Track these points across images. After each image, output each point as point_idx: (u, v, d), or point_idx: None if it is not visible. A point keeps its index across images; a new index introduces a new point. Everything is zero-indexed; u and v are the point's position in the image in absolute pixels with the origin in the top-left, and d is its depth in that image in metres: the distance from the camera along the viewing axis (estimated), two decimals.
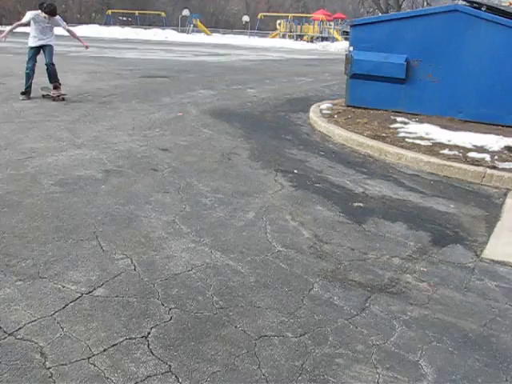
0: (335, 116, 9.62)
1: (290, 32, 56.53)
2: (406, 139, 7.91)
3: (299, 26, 57.49)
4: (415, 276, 4.16)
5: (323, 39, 54.79)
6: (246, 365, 2.98)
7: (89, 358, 2.95)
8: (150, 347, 3.07)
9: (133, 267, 3.97)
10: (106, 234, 4.49)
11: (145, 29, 52.60)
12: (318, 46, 46.87)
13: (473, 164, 6.81)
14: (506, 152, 7.12)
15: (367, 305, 3.70)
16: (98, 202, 5.18)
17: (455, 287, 4.03)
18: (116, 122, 8.86)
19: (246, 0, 71.63)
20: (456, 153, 7.25)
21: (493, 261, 4.50)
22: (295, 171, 6.62)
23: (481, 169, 6.63)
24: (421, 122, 9.00)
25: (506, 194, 6.21)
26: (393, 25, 10.04)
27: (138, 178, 5.96)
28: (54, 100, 10.58)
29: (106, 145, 7.31)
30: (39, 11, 10.36)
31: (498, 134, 8.04)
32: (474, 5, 10.25)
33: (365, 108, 10.18)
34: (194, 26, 58.05)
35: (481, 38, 9.29)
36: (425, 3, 55.22)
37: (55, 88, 10.72)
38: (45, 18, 10.35)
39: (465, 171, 6.68)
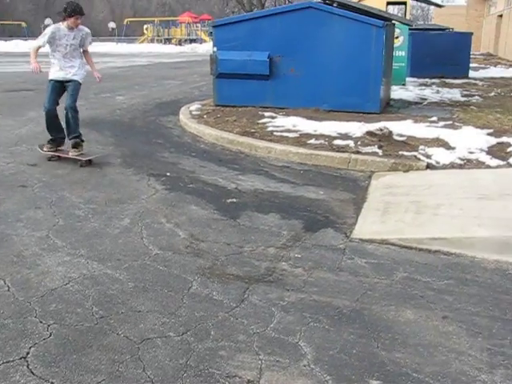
0: (205, 116, 9.71)
1: (158, 36, 56.18)
2: (275, 133, 8.14)
3: (166, 30, 57.23)
4: (290, 263, 4.31)
5: (191, 41, 54.94)
6: (130, 370, 2.98)
7: None
8: (30, 367, 2.98)
9: (6, 288, 3.82)
10: None
11: (5, 40, 49.97)
12: (187, 48, 46.95)
13: (338, 151, 7.15)
14: (367, 137, 7.52)
15: (246, 296, 3.79)
16: None
17: (328, 269, 4.23)
18: None
19: (111, 6, 70.23)
20: (322, 142, 7.56)
21: (361, 240, 4.77)
22: (168, 174, 6.62)
23: (346, 155, 6.98)
24: (288, 115, 9.29)
25: (370, 177, 6.57)
26: (254, 23, 10.28)
27: (6, 197, 5.72)
28: (81, 166, 7.01)
29: None
30: (59, 24, 7.02)
31: (360, 121, 8.47)
32: (327, 1, 10.73)
33: (233, 106, 10.34)
34: None
35: (336, 31, 9.74)
36: (287, 2, 56.74)
37: (75, 146, 7.22)
38: (69, 28, 6.95)
39: (332, 158, 7.00)
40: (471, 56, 20.00)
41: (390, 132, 7.66)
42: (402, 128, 8.11)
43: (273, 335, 3.34)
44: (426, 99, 12.51)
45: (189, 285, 3.93)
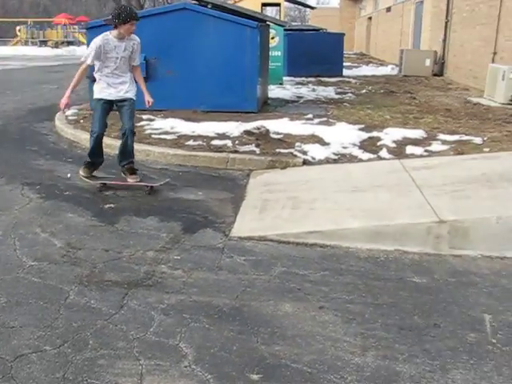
0: (81, 121, 9.42)
1: (33, 38, 53.72)
2: (153, 135, 8.06)
3: (42, 32, 54.85)
4: (169, 265, 4.29)
5: (69, 44, 53.03)
6: None
7: None
8: None
9: None
10: None
11: None
12: (64, 51, 45.29)
13: (217, 151, 7.19)
14: (245, 136, 7.62)
15: (125, 302, 3.73)
16: None
17: (208, 268, 4.25)
18: None
19: None
20: (201, 142, 7.58)
21: (240, 238, 4.82)
22: (43, 182, 6.37)
23: (224, 154, 7.03)
24: (166, 117, 9.23)
25: (248, 175, 6.66)
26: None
27: None
28: (149, 193, 6.07)
29: None
30: (106, 33, 5.81)
31: (237, 121, 8.58)
32: (202, 3, 10.77)
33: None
34: None
35: (211, 33, 9.79)
36: (166, 2, 56.29)
37: (134, 172, 6.26)
38: (119, 38, 5.80)
39: (210, 159, 7.03)
40: (345, 55, 20.83)
41: (267, 130, 7.82)
42: (278, 126, 8.30)
43: (153, 339, 3.31)
44: (302, 97, 12.88)
45: (66, 295, 3.80)
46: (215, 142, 7.55)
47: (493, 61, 13.61)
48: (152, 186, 6.09)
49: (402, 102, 11.95)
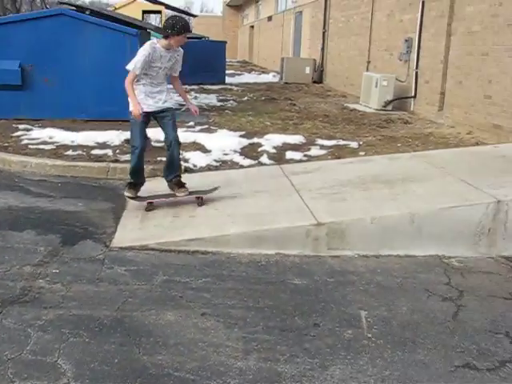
0: None
1: None
2: (30, 146, 7.76)
3: None
4: (48, 279, 4.16)
5: None
6: None
7: None
8: None
9: None
10: None
11: None
12: None
13: (97, 161, 7.05)
14: (126, 145, 7.50)
15: None
16: None
17: (88, 281, 4.16)
18: None
19: None
20: (81, 152, 7.40)
21: (121, 248, 4.77)
22: None
23: (104, 164, 6.91)
24: (44, 126, 8.91)
25: None
26: (2, 29, 9.66)
27: None
28: (199, 205, 5.69)
29: None
30: (154, 42, 5.46)
31: (118, 129, 8.43)
32: (80, 9, 10.53)
33: None
34: None
35: (90, 40, 9.58)
36: (44, 7, 54.14)
37: (183, 185, 5.81)
38: (167, 48, 5.47)
39: (90, 168, 6.88)
40: (228, 63, 21.07)
41: (149, 138, 7.73)
42: (160, 134, 8.20)
43: (29, 358, 3.20)
44: (184, 105, 12.86)
45: None
46: (96, 152, 7.41)
47: (367, 69, 14.34)
48: (202, 197, 5.74)
49: (283, 109, 12.28)
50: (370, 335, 3.59)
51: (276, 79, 21.22)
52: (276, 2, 29.29)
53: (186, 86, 17.11)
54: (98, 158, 7.15)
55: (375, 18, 14.21)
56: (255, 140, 8.30)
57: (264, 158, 7.36)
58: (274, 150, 7.79)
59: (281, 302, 3.98)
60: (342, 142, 8.36)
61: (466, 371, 3.23)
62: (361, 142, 8.38)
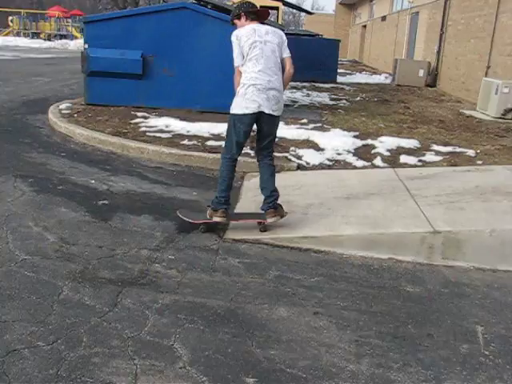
0: (75, 115, 9.37)
1: (25, 29, 53.23)
2: (148, 133, 8.02)
3: (35, 23, 54.35)
4: (164, 265, 4.26)
5: (62, 37, 52.59)
6: None
7: None
8: None
9: None
10: None
11: None
12: (57, 44, 44.92)
13: (211, 152, 7.17)
14: None
15: (119, 300, 3.70)
16: None
17: (202, 269, 4.23)
18: None
19: None
20: (195, 142, 7.56)
21: (234, 240, 4.81)
22: (35, 175, 6.31)
23: (218, 156, 6.97)
24: (161, 115, 9.20)
25: (243, 177, 6.64)
26: (127, 21, 10.05)
27: None
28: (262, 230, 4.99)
29: None
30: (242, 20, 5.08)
31: None
32: (202, 2, 10.75)
33: (105, 105, 10.06)
34: None
35: (209, 32, 9.78)
36: (161, 1, 56.09)
37: (275, 209, 4.91)
38: (255, 29, 4.88)
39: (204, 159, 7.01)
40: (339, 62, 20.88)
41: None
42: None
43: (147, 339, 3.28)
44: (296, 102, 12.88)
45: (59, 291, 3.76)
46: (210, 143, 7.54)
47: (486, 74, 13.73)
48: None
49: (396, 111, 12.01)
50: (487, 352, 3.41)
51: (388, 81, 20.81)
52: (391, 2, 28.68)
53: (298, 83, 17.19)
54: (212, 149, 7.27)
55: (499, 20, 13.56)
56: (369, 141, 8.15)
57: (378, 161, 7.22)
58: (387, 153, 7.62)
59: (393, 308, 3.87)
60: (458, 149, 8.05)
61: None
62: (478, 151, 8.03)
